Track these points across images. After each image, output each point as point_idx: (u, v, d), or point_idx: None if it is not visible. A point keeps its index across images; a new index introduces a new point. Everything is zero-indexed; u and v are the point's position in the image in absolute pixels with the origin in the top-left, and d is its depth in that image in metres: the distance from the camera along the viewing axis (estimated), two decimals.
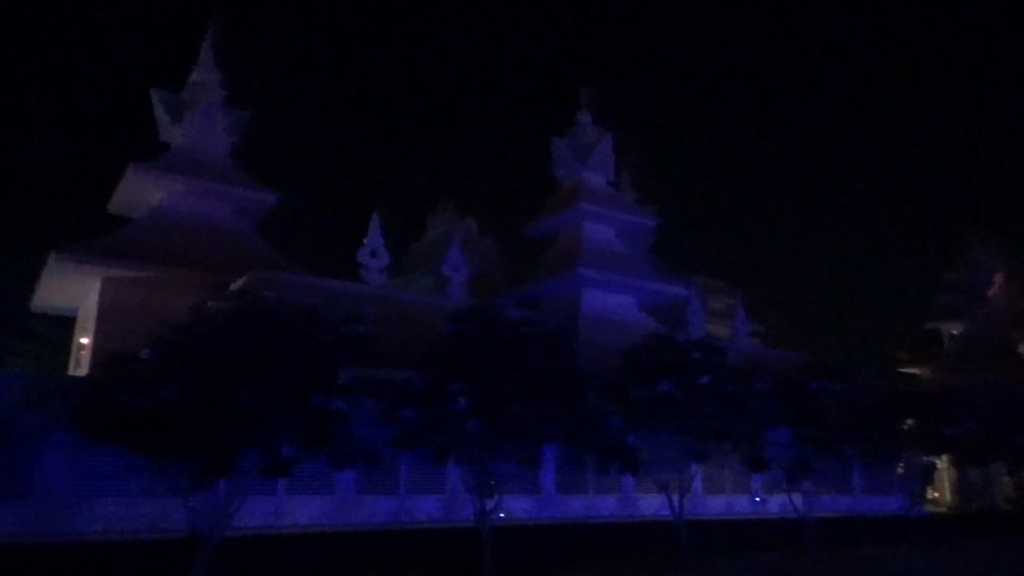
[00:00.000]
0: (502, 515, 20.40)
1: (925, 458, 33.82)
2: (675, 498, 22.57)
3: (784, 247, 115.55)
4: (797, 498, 25.66)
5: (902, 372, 54.81)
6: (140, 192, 28.98)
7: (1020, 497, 38.89)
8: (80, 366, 27.59)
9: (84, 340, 27.67)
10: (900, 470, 33.37)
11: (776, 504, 27.89)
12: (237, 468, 15.55)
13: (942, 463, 40.09)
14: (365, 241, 27.96)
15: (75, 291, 27.67)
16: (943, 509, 40.44)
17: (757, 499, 28.50)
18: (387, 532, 19.98)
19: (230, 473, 15.59)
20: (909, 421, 31.33)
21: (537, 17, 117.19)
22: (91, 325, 26.23)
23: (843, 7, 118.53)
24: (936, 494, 43.21)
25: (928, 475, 35.23)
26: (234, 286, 23.92)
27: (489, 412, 18.87)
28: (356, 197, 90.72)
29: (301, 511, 20.15)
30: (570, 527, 23.15)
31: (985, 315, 48.18)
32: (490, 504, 19.38)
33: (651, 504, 25.45)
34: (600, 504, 25.42)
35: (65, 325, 32.22)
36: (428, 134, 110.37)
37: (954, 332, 52.56)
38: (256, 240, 30.30)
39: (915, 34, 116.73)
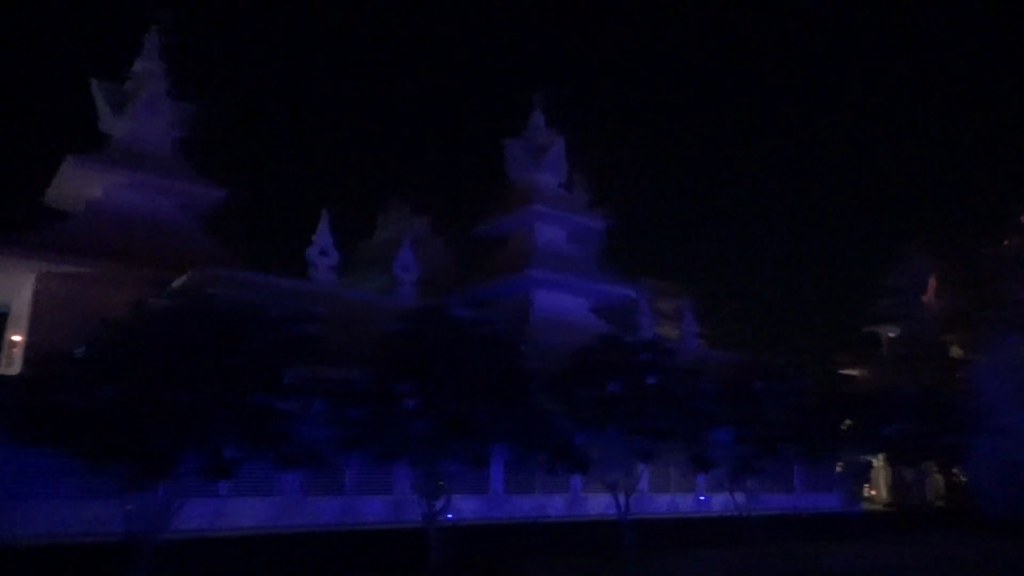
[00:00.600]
0: (450, 515, 20.36)
1: (862, 457, 34.87)
2: (621, 497, 22.84)
3: (730, 251, 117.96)
4: (739, 496, 26.22)
5: (842, 374, 56.49)
6: (79, 184, 28.05)
7: (950, 494, 40.49)
8: (12, 364, 26.59)
9: (16, 337, 26.68)
10: (838, 469, 34.36)
11: (719, 502, 28.47)
12: (177, 470, 15.18)
13: (878, 462, 41.44)
14: (314, 239, 27.58)
15: (8, 286, 26.66)
16: (879, 506, 41.82)
17: (701, 498, 29.04)
18: (333, 534, 19.75)
19: (169, 475, 15.21)
20: (847, 421, 32.27)
21: (494, 17, 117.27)
22: (24, 322, 25.31)
23: (791, 11, 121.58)
24: (872, 492, 44.67)
25: (865, 473, 36.39)
26: (177, 283, 23.34)
27: (437, 412, 18.82)
28: (306, 195, 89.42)
29: (244, 513, 19.78)
30: (518, 527, 23.23)
31: (920, 319, 49.96)
32: (438, 505, 19.33)
33: (598, 503, 25.70)
34: (548, 503, 25.57)
35: None
36: (380, 132, 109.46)
37: (891, 335, 54.40)
38: (201, 236, 29.61)
39: (857, 37, 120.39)
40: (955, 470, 39.75)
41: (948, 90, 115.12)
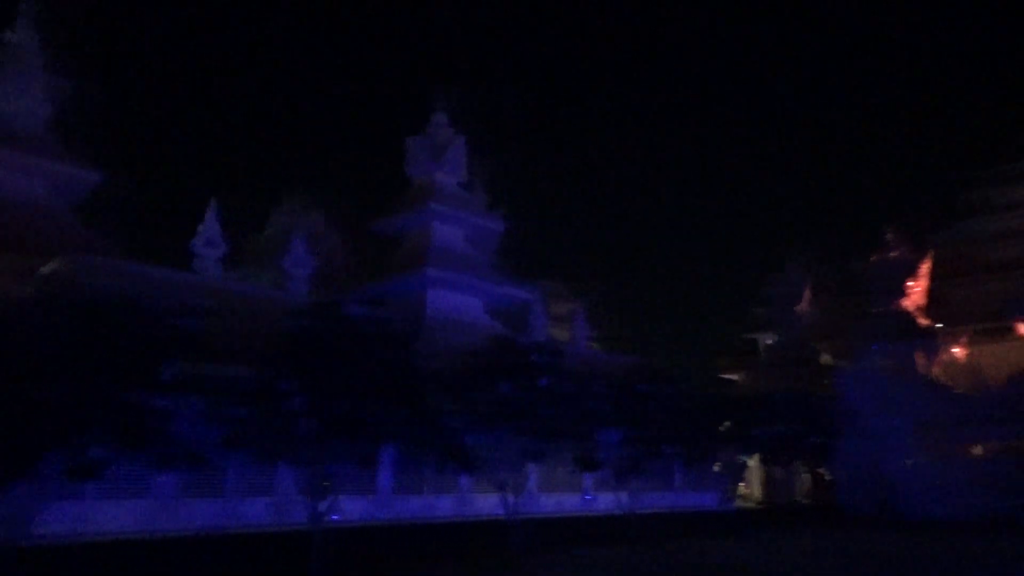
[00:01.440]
0: (336, 516, 19.92)
1: (739, 457, 36.69)
2: (510, 497, 23.05)
3: (622, 257, 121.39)
4: (624, 495, 26.99)
5: (723, 377, 59.28)
6: None
7: (816, 492, 43.25)
8: None
9: None
10: (716, 468, 35.99)
11: (604, 501, 29.19)
12: (39, 470, 14.13)
13: (753, 462, 43.70)
14: (200, 229, 26.38)
15: None
16: (752, 504, 44.10)
17: (587, 497, 29.69)
18: (210, 538, 18.92)
19: (30, 476, 14.14)
20: (726, 423, 33.87)
21: (401, 15, 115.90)
22: None
23: (695, 14, 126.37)
24: (746, 490, 47.06)
25: (740, 473, 38.29)
26: (44, 270, 21.77)
27: (325, 412, 18.37)
28: (195, 184, 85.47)
29: (112, 517, 18.63)
30: (407, 527, 23.02)
31: (794, 327, 53.08)
32: (323, 506, 18.87)
33: (487, 503, 25.83)
34: (437, 504, 25.47)
35: None
36: (278, 121, 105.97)
37: (768, 342, 57.52)
38: (73, 222, 27.72)
39: (745, 42, 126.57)
40: (821, 469, 42.49)
41: (829, 112, 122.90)
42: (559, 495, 29.29)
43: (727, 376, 59.02)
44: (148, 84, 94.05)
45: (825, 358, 51.90)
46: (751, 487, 49.20)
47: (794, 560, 21.72)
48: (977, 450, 39.80)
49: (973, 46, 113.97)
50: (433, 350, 25.85)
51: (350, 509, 21.97)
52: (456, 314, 33.17)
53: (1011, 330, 40.62)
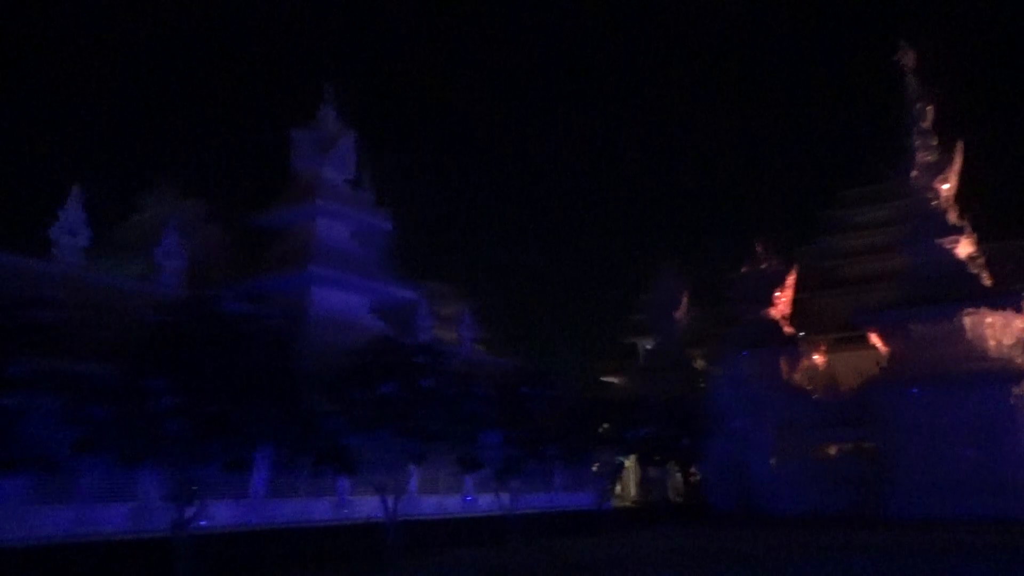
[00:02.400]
0: (204, 522, 18.98)
1: (616, 458, 37.84)
2: (390, 499, 22.75)
3: (509, 260, 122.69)
4: (504, 496, 27.23)
5: (603, 380, 60.99)
6: None
7: (687, 491, 45.22)
8: None
9: None
10: (594, 469, 36.96)
11: (485, 502, 29.36)
12: None
13: (629, 462, 45.17)
14: (61, 215, 24.53)
15: None
16: (627, 503, 45.60)
17: (468, 498, 29.76)
18: (61, 547, 17.56)
19: None
20: (605, 425, 34.85)
21: (296, 5, 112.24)
22: None
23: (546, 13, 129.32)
24: (622, 490, 48.60)
25: (617, 473, 39.47)
26: None
27: (195, 412, 17.48)
28: (55, 166, 79.34)
29: None
30: (281, 532, 22.25)
31: (671, 333, 55.30)
32: (189, 512, 17.93)
33: (366, 506, 25.38)
34: (313, 507, 24.78)
35: None
36: (152, 104, 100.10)
37: (647, 346, 59.65)
38: None
39: (661, 50, 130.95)
40: (692, 469, 44.48)
41: (709, 126, 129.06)
42: (440, 496, 29.20)
43: (607, 379, 60.77)
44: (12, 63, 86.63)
45: (699, 363, 54.32)
46: (627, 487, 50.87)
47: (657, 555, 22.64)
48: (831, 450, 42.82)
49: (838, 72, 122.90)
50: (314, 349, 25.15)
51: (221, 515, 21.04)
52: (340, 313, 32.43)
53: (863, 339, 43.96)
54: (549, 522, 31.22)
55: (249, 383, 18.25)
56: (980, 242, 42.33)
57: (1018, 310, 37.83)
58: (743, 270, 49.66)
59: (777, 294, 48.29)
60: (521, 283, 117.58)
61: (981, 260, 41.28)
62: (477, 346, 42.29)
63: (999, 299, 37.90)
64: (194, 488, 18.01)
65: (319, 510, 24.87)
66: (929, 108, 42.74)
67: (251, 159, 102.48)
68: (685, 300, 56.20)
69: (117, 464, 17.68)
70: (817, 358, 47.12)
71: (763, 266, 48.80)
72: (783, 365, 45.81)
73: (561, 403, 28.46)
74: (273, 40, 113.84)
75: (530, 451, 26.61)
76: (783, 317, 48.25)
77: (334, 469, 21.69)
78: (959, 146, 42.20)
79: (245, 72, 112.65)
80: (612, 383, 59.26)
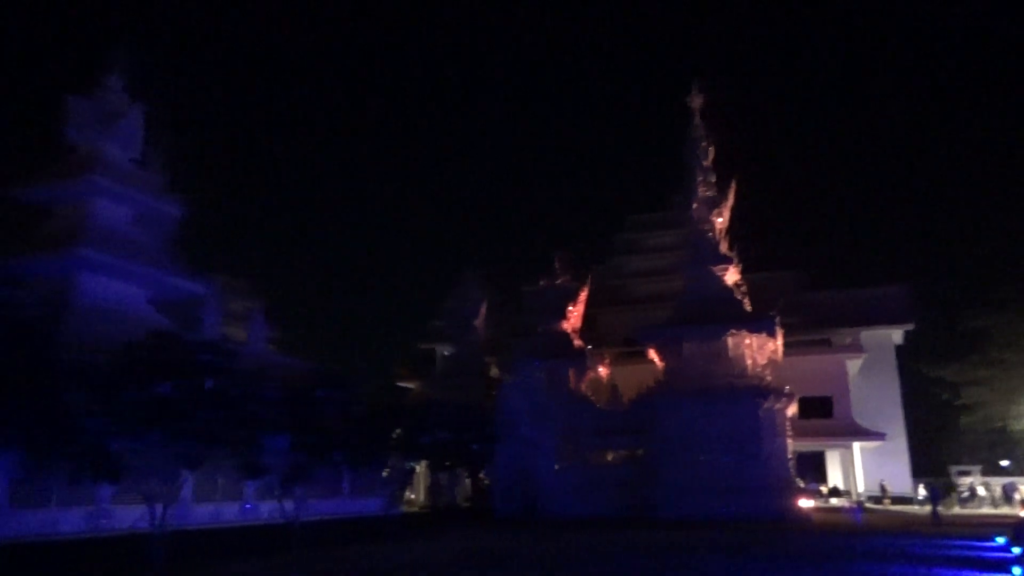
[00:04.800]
0: None
1: (407, 464, 37.82)
2: (158, 508, 21.01)
3: (310, 260, 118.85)
4: (289, 503, 26.18)
5: (399, 386, 60.81)
6: None
7: (476, 496, 46.21)
8: None
9: None
10: (385, 474, 36.64)
11: (267, 509, 28.05)
12: None
13: (420, 468, 45.32)
14: None
15: None
16: (416, 509, 45.69)
17: (248, 505, 28.27)
18: None
19: None
20: (397, 430, 34.70)
21: None
22: None
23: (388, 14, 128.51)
24: (411, 495, 48.63)
25: (408, 479, 39.49)
26: None
27: None
28: None
29: None
30: (24, 548, 19.71)
31: (469, 341, 56.35)
32: None
33: (130, 515, 23.27)
34: (65, 518, 22.27)
35: None
36: None
37: (445, 353, 60.35)
38: None
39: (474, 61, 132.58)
40: (481, 475, 45.54)
41: (518, 139, 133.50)
42: (217, 504, 27.47)
43: (404, 384, 60.66)
44: None
45: (494, 371, 55.80)
46: (416, 492, 50.98)
47: (444, 560, 22.92)
48: (610, 456, 45.81)
49: (649, 101, 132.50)
50: (80, 341, 22.73)
51: None
52: (114, 303, 29.61)
53: (644, 354, 47.55)
54: (336, 529, 30.48)
55: None
56: (744, 272, 47.51)
57: (771, 334, 42.84)
58: (541, 283, 51.83)
59: (570, 308, 50.91)
60: (320, 284, 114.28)
61: (744, 288, 46.29)
62: (269, 346, 40.42)
63: (757, 323, 42.71)
64: None
65: (72, 521, 22.40)
66: (711, 148, 47.34)
67: (24, 124, 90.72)
68: (484, 309, 57.51)
69: None
70: (602, 370, 50.25)
71: (559, 281, 51.24)
72: (571, 376, 48.35)
73: (354, 407, 27.93)
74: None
75: (318, 456, 25.82)
76: (574, 330, 50.94)
77: (94, 475, 19.65)
78: (733, 185, 47.11)
79: (26, 21, 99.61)
80: (408, 388, 59.23)
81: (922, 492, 48.26)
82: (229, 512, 27.73)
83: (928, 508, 38.50)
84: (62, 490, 21.93)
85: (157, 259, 32.31)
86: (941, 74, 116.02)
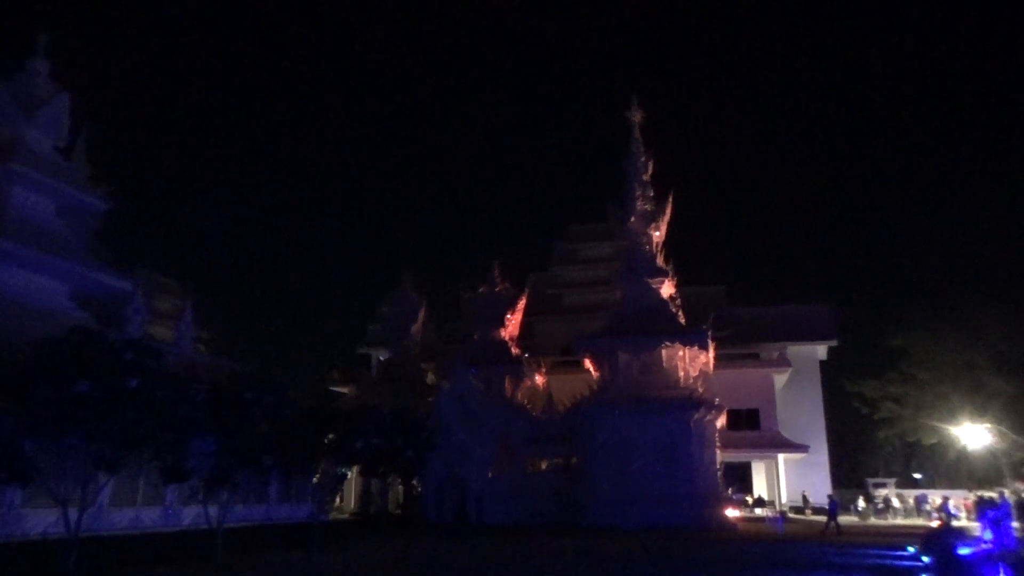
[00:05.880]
0: None
1: (339, 469, 37.13)
2: (72, 513, 20.09)
3: (245, 259, 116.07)
4: (212, 509, 25.40)
5: (333, 390, 59.86)
6: None
7: (407, 503, 45.74)
8: None
9: None
10: (315, 480, 35.91)
11: (189, 515, 27.16)
12: None
13: (352, 473, 44.59)
14: None
15: None
16: (346, 515, 44.95)
17: (170, 511, 27.30)
18: None
19: None
20: (330, 435, 34.05)
21: None
22: None
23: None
24: (341, 502, 47.81)
25: (339, 485, 38.74)
26: None
27: None
28: None
29: None
30: None
31: (406, 346, 55.92)
32: None
33: (41, 521, 22.15)
34: None
35: None
36: None
37: (381, 358, 59.72)
38: None
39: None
40: (414, 481, 45.13)
41: (461, 147, 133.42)
42: (136, 510, 26.39)
43: (338, 389, 59.73)
44: None
45: (431, 377, 55.50)
46: (346, 499, 50.17)
47: (370, 567, 22.63)
48: (543, 465, 46.04)
49: (591, 114, 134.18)
50: None
51: None
52: (31, 298, 28.25)
53: (579, 364, 48.01)
54: (262, 536, 29.69)
55: None
56: (679, 285, 48.51)
57: (704, 347, 43.83)
58: (480, 290, 51.83)
59: (508, 316, 51.08)
60: (255, 285, 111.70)
61: (679, 301, 47.26)
62: (198, 346, 39.23)
63: (690, 336, 43.63)
64: None
65: None
66: (650, 162, 48.24)
67: None
68: (422, 314, 57.17)
69: None
70: (538, 378, 50.51)
71: (498, 288, 51.34)
72: (507, 383, 48.45)
73: (284, 411, 27.28)
74: None
75: (245, 460, 25.11)
76: (511, 338, 51.09)
77: (4, 477, 18.67)
78: (670, 199, 48.10)
79: None
80: (343, 393, 58.34)
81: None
82: (149, 518, 26.69)
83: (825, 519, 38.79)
84: None
85: (80, 253, 31.00)
86: (860, 96, 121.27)
